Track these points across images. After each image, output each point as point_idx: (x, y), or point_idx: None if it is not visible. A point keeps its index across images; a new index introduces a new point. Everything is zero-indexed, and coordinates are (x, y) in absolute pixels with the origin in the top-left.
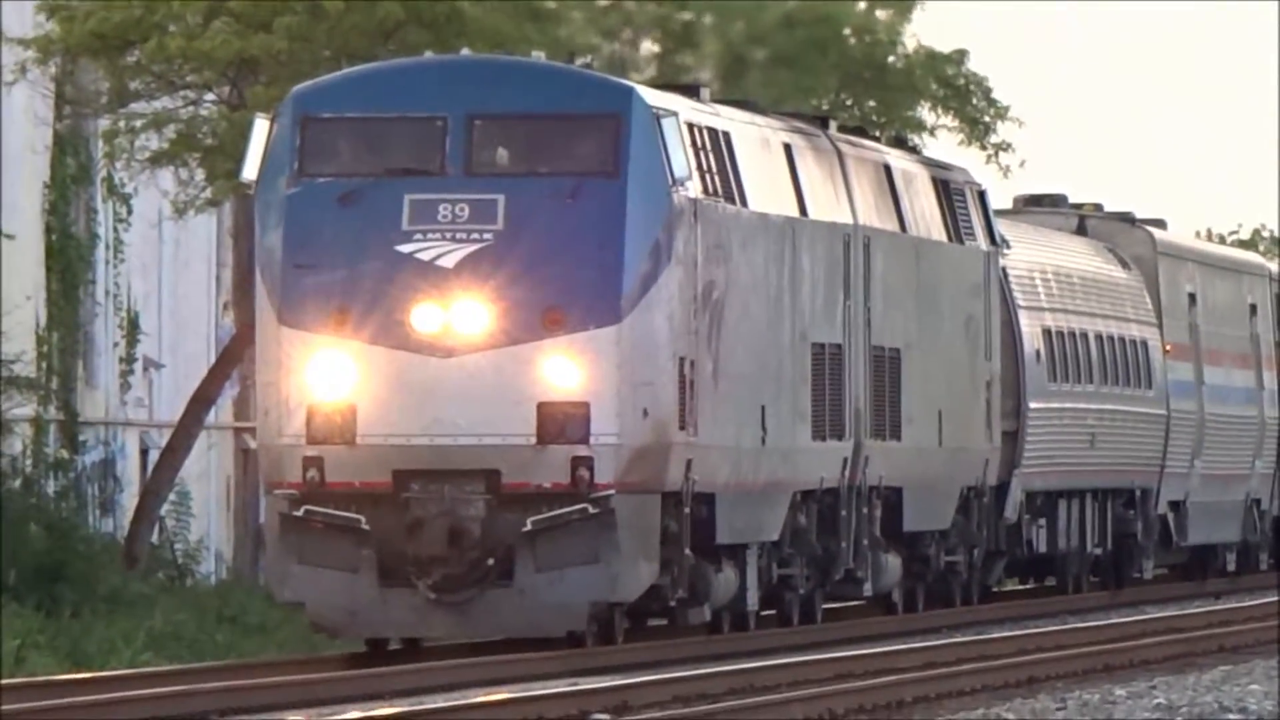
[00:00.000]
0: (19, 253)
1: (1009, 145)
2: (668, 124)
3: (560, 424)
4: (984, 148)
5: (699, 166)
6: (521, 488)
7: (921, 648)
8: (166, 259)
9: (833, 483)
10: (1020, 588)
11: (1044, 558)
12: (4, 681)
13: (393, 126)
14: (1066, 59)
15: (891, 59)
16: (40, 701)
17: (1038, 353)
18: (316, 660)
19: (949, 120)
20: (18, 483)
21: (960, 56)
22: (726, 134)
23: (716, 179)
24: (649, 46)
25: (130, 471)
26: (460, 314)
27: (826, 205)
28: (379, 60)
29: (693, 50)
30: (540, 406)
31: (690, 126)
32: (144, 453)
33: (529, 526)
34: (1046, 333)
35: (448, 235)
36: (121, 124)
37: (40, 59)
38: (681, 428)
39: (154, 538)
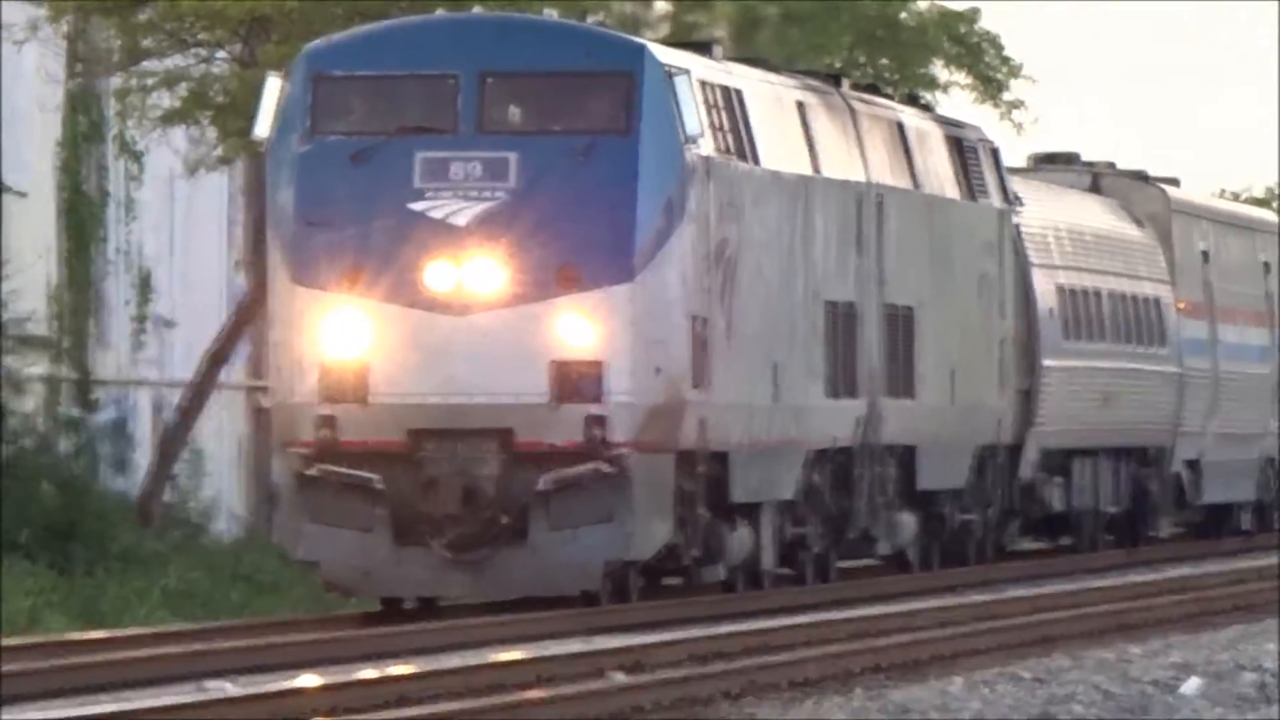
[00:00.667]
0: (31, 211)
1: (1022, 103)
2: (680, 82)
3: (574, 382)
4: (997, 105)
5: (712, 124)
6: (535, 446)
7: (937, 606)
8: (179, 217)
9: (847, 441)
10: (1035, 546)
11: (1059, 516)
12: (18, 640)
13: (405, 84)
14: (1080, 17)
15: (904, 16)
16: (53, 660)
17: (1051, 311)
18: (331, 619)
19: (962, 78)
20: (31, 441)
21: (973, 14)
22: (739, 92)
23: (729, 137)
24: (661, 4)
25: (143, 430)
26: (473, 272)
27: (839, 163)
28: (391, 18)
29: (705, 8)
30: (554, 365)
31: (703, 84)
32: (157, 411)
33: (543, 485)
34: (1060, 290)
35: (460, 193)
36: (133, 82)
37: (52, 17)
38: (695, 386)
39: (167, 497)
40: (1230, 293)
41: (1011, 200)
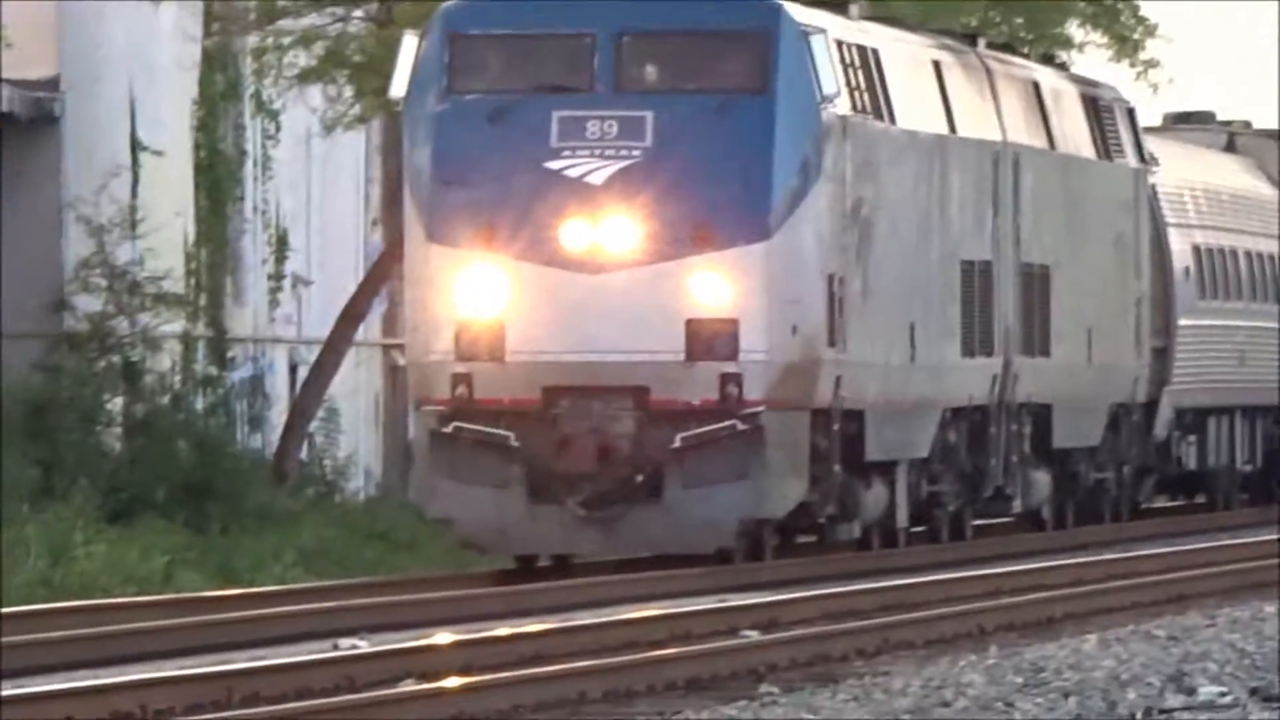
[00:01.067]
0: (168, 169)
1: (1157, 62)
2: (816, 41)
3: (709, 341)
4: (1132, 65)
5: (848, 83)
6: (670, 404)
7: (1071, 564)
8: (315, 175)
9: (982, 399)
10: (1169, 504)
11: (1193, 474)
12: (154, 597)
13: (541, 43)
14: None
15: None
16: (189, 617)
17: (1187, 270)
18: (465, 577)
19: (1097, 37)
20: (167, 399)
21: None
22: (875, 51)
23: (865, 96)
24: None
25: (279, 388)
26: (609, 231)
27: (975, 122)
28: None
29: None
30: (689, 323)
31: (839, 43)
32: (292, 369)
33: (678, 443)
34: (1196, 250)
35: (596, 152)
36: (270, 41)
37: None
38: (830, 345)
39: (303, 454)
40: None
41: (1147, 159)
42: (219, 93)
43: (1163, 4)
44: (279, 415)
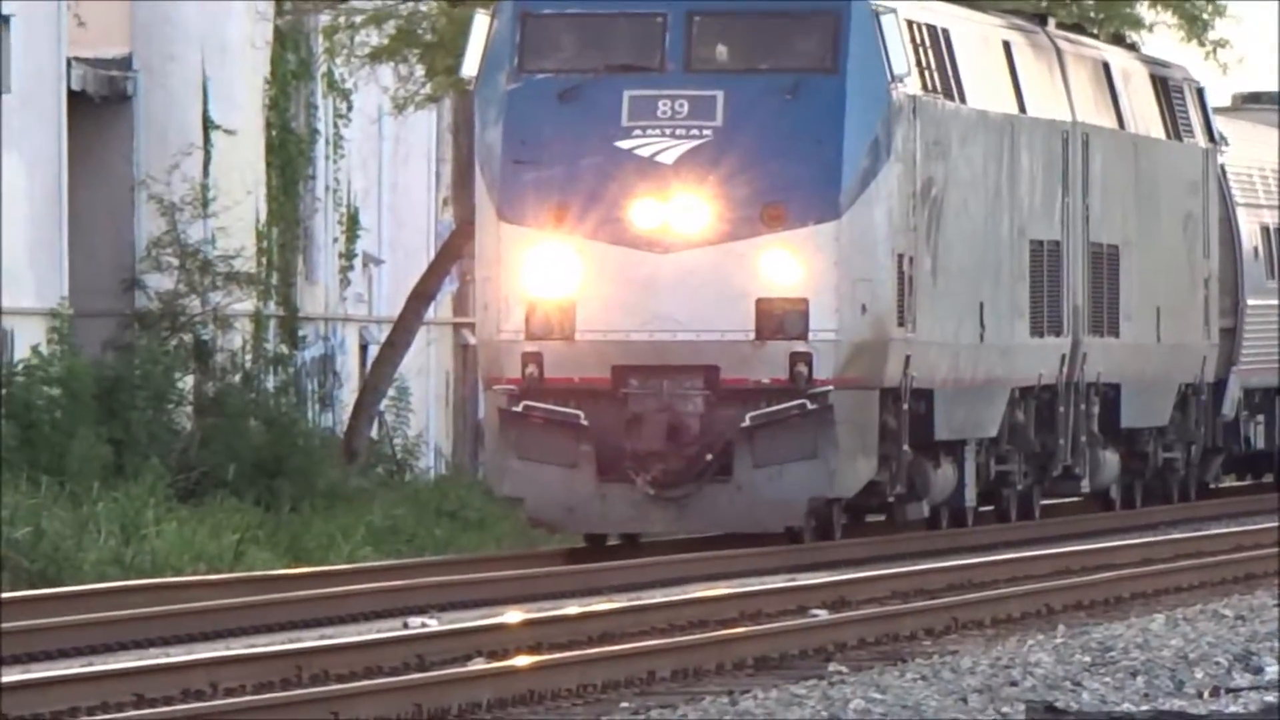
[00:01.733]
0: (240, 148)
1: (1227, 42)
2: (887, 20)
3: (779, 320)
4: (1202, 44)
5: (918, 63)
6: (740, 384)
7: (1139, 544)
8: (386, 155)
9: (1051, 379)
10: (1238, 484)
11: (1262, 454)
12: (225, 575)
13: (612, 23)
14: None
15: None
16: (259, 596)
17: (1256, 250)
18: (535, 555)
19: (1167, 17)
20: (238, 378)
21: None
22: (945, 30)
23: (935, 75)
24: None
25: (350, 367)
26: (679, 210)
27: (1045, 102)
28: None
29: None
30: (759, 303)
31: (909, 23)
32: (363, 348)
33: (747, 422)
34: (1265, 230)
35: (667, 131)
36: (342, 19)
37: None
38: (900, 324)
39: (373, 433)
40: None
41: (1216, 139)
42: (290, 71)
43: None
44: (349, 394)
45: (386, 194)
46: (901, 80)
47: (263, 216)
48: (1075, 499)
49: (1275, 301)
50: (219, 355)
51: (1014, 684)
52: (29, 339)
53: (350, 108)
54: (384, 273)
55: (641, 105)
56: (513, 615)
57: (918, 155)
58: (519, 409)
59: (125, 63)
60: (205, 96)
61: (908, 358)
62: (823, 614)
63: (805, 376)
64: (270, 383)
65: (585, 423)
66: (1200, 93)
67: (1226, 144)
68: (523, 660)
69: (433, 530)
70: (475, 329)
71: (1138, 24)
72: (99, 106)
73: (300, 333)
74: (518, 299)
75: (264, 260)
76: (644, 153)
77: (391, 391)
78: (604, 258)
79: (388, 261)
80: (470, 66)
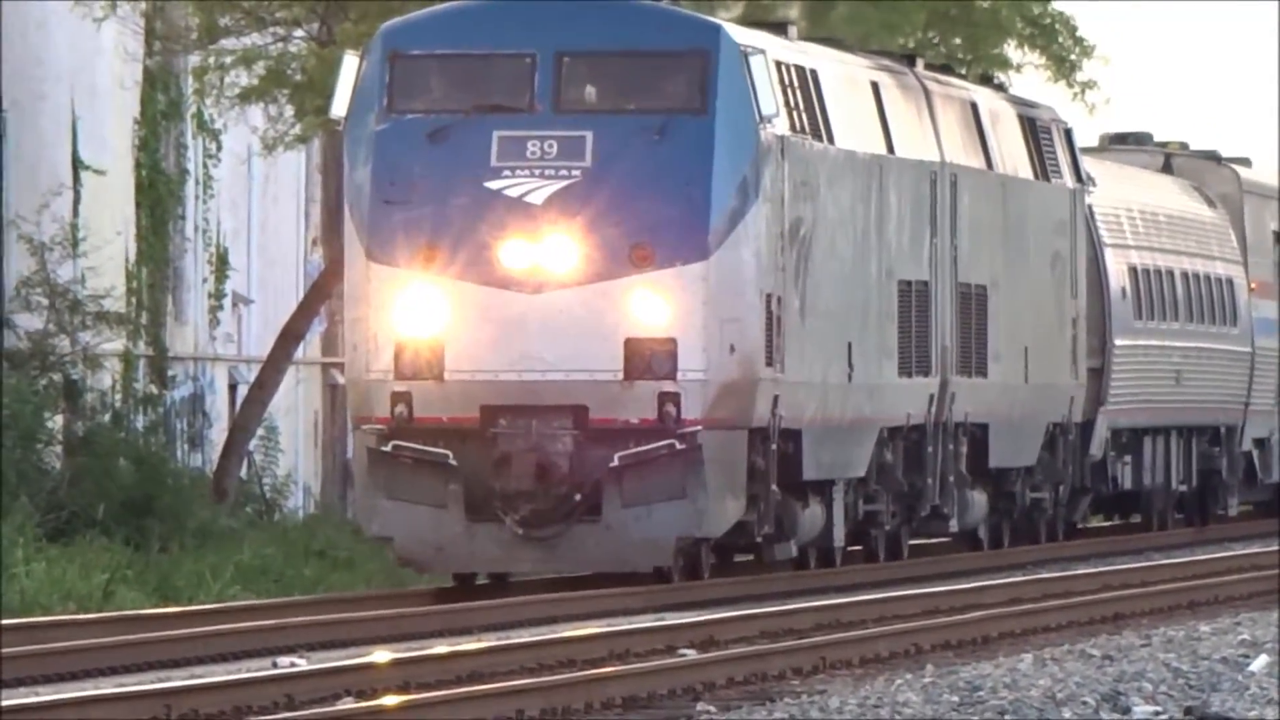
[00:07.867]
0: (109, 188)
1: (1095, 83)
2: (755, 61)
3: (647, 360)
4: (1070, 85)
5: (786, 104)
6: (609, 423)
7: (1007, 583)
8: (256, 195)
9: (919, 419)
10: (1105, 524)
11: (1129, 494)
12: (94, 615)
13: (482, 63)
14: None
15: None
16: (129, 635)
17: (1123, 290)
18: (404, 595)
19: (1035, 58)
20: (108, 417)
21: None
22: (814, 71)
23: (804, 116)
24: None
25: (219, 406)
26: (548, 250)
27: (913, 143)
28: None
29: None
30: (628, 342)
31: (778, 64)
32: (232, 388)
33: (616, 462)
34: (1132, 270)
35: (536, 172)
36: (211, 60)
37: None
38: (768, 364)
39: (243, 472)
40: None
41: (1084, 180)
42: (160, 112)
43: (1100, 25)
44: (219, 434)
45: (256, 234)
46: (770, 121)
47: (132, 256)
48: (943, 539)
49: (1142, 342)
50: (88, 395)
51: None
52: None
53: (220, 148)
54: (253, 312)
55: (511, 146)
56: (381, 655)
57: (786, 195)
58: (388, 449)
59: None
60: (75, 136)
61: (776, 397)
62: (691, 653)
63: (674, 416)
64: (140, 422)
65: (454, 462)
66: (1068, 133)
67: (1094, 184)
68: (391, 700)
69: (302, 570)
70: (344, 369)
71: (1006, 64)
72: None
73: (170, 372)
74: (387, 339)
75: (134, 300)
76: (513, 193)
77: (261, 431)
78: (473, 298)
79: (257, 301)
80: (340, 106)
